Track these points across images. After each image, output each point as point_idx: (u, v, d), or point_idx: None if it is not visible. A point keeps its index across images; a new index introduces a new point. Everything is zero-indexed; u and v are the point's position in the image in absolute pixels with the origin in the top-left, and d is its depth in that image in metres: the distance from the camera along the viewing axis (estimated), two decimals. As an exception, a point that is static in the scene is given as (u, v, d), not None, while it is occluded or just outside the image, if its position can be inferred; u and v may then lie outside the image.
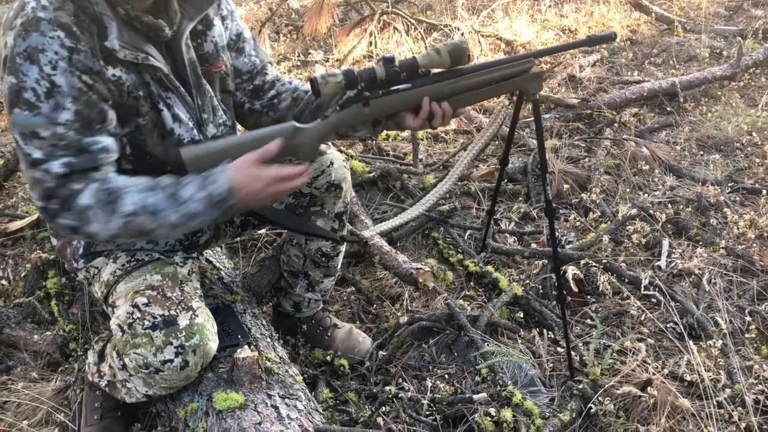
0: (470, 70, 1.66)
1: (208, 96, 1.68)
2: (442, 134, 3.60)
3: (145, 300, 1.56)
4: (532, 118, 3.67)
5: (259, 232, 2.61)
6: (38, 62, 1.37)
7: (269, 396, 1.61)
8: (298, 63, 4.57)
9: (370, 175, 2.97)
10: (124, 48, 1.45)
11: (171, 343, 1.51)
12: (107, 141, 1.48)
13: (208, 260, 2.12)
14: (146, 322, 1.52)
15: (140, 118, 1.55)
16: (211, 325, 1.60)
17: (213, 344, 1.58)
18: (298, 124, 1.59)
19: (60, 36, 1.39)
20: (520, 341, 2.19)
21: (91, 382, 1.82)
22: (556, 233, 2.67)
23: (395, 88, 1.61)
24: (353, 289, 2.47)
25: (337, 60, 4.43)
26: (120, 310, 1.59)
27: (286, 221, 1.93)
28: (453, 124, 3.71)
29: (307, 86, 1.84)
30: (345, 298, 2.46)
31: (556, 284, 2.02)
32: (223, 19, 1.75)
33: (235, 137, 1.64)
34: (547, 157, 3.08)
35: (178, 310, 1.55)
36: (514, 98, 1.92)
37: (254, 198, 1.49)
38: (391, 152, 3.35)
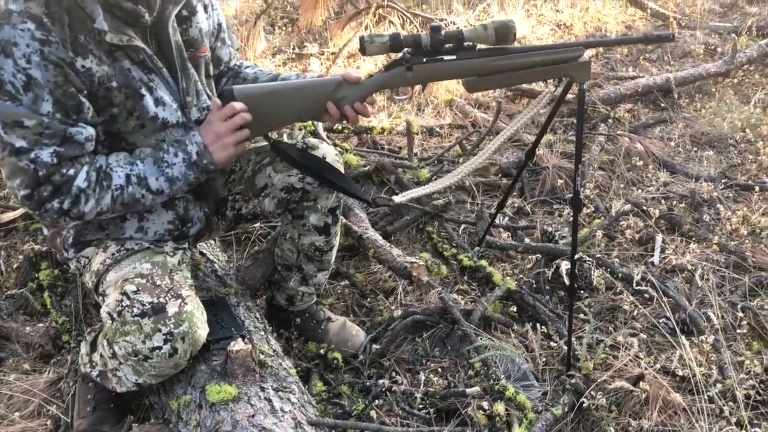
0: (517, 50, 1.69)
1: (193, 80, 1.71)
2: (437, 129, 3.60)
3: (134, 288, 1.56)
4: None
5: (253, 225, 2.60)
6: (12, 56, 1.40)
7: (262, 389, 1.61)
8: (293, 56, 4.55)
9: (365, 168, 2.96)
10: (110, 31, 1.48)
11: (160, 330, 1.51)
12: (89, 130, 1.53)
13: (201, 253, 2.12)
14: (135, 310, 1.52)
15: (114, 108, 1.57)
16: (200, 313, 1.60)
17: (202, 332, 1.58)
18: (342, 79, 1.69)
19: (30, 28, 1.40)
20: (513, 335, 2.19)
21: (84, 373, 1.82)
22: (550, 228, 2.68)
23: (441, 57, 1.66)
24: (347, 282, 2.47)
25: (332, 53, 4.41)
26: (110, 298, 1.59)
27: (317, 168, 1.92)
28: (448, 119, 3.72)
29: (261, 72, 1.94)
30: (339, 291, 2.46)
31: (569, 276, 2.02)
32: (205, 7, 1.78)
33: (283, 83, 1.73)
34: (541, 152, 3.12)
35: (167, 298, 1.55)
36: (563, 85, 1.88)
37: (219, 148, 1.62)
38: (386, 146, 3.35)
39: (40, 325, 2.21)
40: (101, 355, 1.70)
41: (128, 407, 1.84)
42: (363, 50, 1.64)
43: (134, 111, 1.60)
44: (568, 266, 2.38)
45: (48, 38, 1.42)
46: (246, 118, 1.64)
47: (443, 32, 1.65)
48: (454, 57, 1.66)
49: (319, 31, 4.81)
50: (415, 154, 3.17)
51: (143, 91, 1.59)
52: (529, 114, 1.87)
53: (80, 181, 1.51)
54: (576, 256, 2.39)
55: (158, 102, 1.62)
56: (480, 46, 1.69)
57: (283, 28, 5.12)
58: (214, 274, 2.03)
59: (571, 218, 2.78)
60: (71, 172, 1.50)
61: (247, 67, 1.97)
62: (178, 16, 1.66)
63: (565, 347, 2.09)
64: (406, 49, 1.66)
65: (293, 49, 4.62)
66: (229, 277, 2.05)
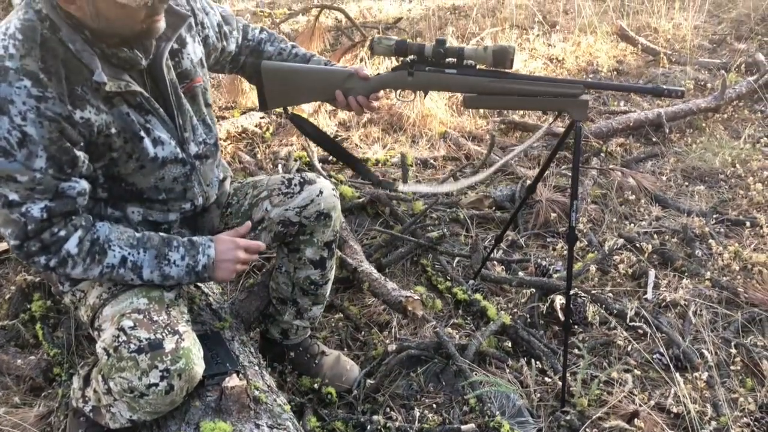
0: (518, 76, 1.79)
1: (188, 115, 1.72)
2: (431, 160, 3.63)
3: (131, 323, 1.55)
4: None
5: None
6: (8, 113, 1.40)
7: (257, 426, 1.60)
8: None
9: (360, 200, 2.98)
10: (109, 80, 1.49)
11: (156, 367, 1.49)
12: (82, 184, 1.54)
13: (196, 286, 2.11)
14: (132, 346, 1.51)
15: (114, 152, 1.58)
16: (197, 349, 1.59)
17: (199, 368, 1.57)
18: (353, 72, 1.86)
19: (27, 86, 1.41)
20: (507, 371, 2.19)
21: (76, 407, 1.79)
22: (543, 262, 2.69)
23: (443, 69, 1.78)
24: (341, 315, 2.47)
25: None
26: (106, 334, 1.58)
27: (330, 144, 2.14)
28: (442, 151, 3.75)
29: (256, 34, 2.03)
30: (333, 324, 2.45)
31: (564, 311, 2.04)
32: (196, 31, 1.78)
33: (303, 67, 1.92)
34: (536, 185, 3.15)
35: (164, 334, 1.54)
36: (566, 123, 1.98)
37: (228, 269, 1.70)
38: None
39: (32, 357, 2.19)
40: (95, 391, 1.68)
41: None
42: (372, 49, 1.81)
43: (133, 153, 1.60)
44: (563, 301, 2.40)
45: (44, 94, 1.42)
46: (255, 258, 1.78)
47: (446, 45, 1.77)
48: (454, 71, 1.78)
49: (314, 62, 4.85)
50: (412, 184, 3.19)
51: (142, 133, 1.60)
52: (532, 140, 1.96)
53: (71, 246, 1.53)
54: (571, 292, 2.42)
55: (156, 142, 1.63)
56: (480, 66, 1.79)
57: (279, 59, 5.16)
58: (209, 307, 2.02)
59: (566, 252, 2.81)
60: (62, 233, 1.51)
61: (266, 42, 2.03)
62: (171, 50, 1.67)
63: (560, 383, 2.09)
64: (411, 56, 1.79)
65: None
66: (224, 310, 2.04)
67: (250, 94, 4.15)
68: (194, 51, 1.77)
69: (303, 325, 2.13)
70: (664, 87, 1.77)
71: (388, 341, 2.31)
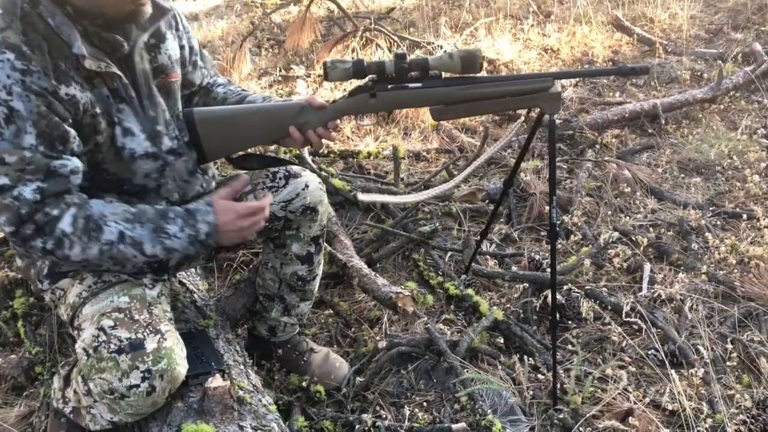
0: (485, 79, 1.67)
1: (160, 108, 1.66)
2: (424, 153, 3.57)
3: (111, 323, 1.50)
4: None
5: (235, 253, 2.55)
6: None
7: (241, 427, 1.55)
8: (280, 78, 4.53)
9: (351, 193, 2.92)
10: (89, 57, 1.44)
11: (137, 368, 1.45)
12: (74, 162, 1.47)
13: (181, 282, 2.06)
14: (112, 346, 1.46)
15: (99, 135, 1.53)
16: (180, 349, 1.54)
17: (182, 369, 1.53)
18: (305, 104, 1.68)
19: (10, 58, 1.36)
20: (500, 367, 2.14)
21: (56, 408, 1.75)
22: (537, 257, 2.65)
23: (406, 84, 1.64)
24: (331, 311, 2.42)
25: (318, 76, 4.39)
26: (86, 333, 1.53)
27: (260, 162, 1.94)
28: (435, 143, 3.69)
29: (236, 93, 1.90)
30: (322, 320, 2.41)
31: (550, 309, 1.99)
32: (176, 34, 1.75)
33: (245, 107, 1.72)
34: (528, 178, 3.10)
35: (145, 334, 1.49)
36: (532, 115, 1.92)
37: (230, 236, 1.60)
38: (372, 171, 3.31)
39: (13, 356, 2.14)
40: (75, 391, 1.63)
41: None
42: (326, 76, 1.63)
43: (114, 139, 1.56)
44: (557, 296, 2.35)
45: (29, 67, 1.38)
46: (262, 219, 1.63)
47: (408, 59, 1.63)
48: (419, 85, 1.64)
49: (305, 53, 4.79)
50: (402, 179, 3.14)
51: (116, 119, 1.56)
52: (499, 145, 1.85)
53: (65, 225, 1.45)
54: (565, 287, 2.37)
55: (126, 132, 1.58)
56: (446, 74, 1.68)
57: (270, 50, 5.11)
58: (194, 305, 1.97)
59: (560, 246, 2.77)
60: (55, 212, 1.44)
61: (219, 85, 1.94)
62: (147, 44, 1.63)
63: (553, 379, 2.05)
64: (370, 76, 1.64)
65: (279, 71, 4.60)
66: (209, 307, 1.99)
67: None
68: (173, 48, 1.72)
69: (291, 322, 2.09)
70: (629, 66, 1.73)
71: (378, 338, 2.27)
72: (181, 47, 1.76)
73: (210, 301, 2.04)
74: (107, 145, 1.55)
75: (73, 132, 1.46)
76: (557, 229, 1.88)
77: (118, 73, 1.52)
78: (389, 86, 1.64)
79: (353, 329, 2.35)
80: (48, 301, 1.76)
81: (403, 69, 1.63)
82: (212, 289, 2.33)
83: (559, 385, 2.04)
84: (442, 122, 3.88)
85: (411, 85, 1.64)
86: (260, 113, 1.68)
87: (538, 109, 1.78)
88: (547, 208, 2.96)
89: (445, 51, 1.70)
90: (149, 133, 1.63)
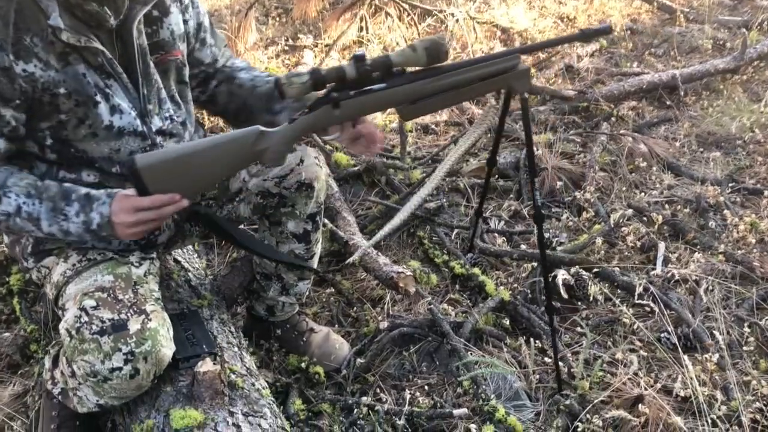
0: (451, 68, 1.54)
1: (156, 86, 1.58)
2: (433, 126, 3.47)
3: (93, 303, 1.45)
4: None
5: None
6: None
7: (231, 413, 1.50)
8: (287, 48, 4.42)
9: (355, 168, 2.84)
10: (66, 30, 1.36)
11: (120, 350, 1.40)
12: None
13: (176, 260, 2.00)
14: (94, 327, 1.41)
15: (61, 114, 1.45)
16: (166, 330, 1.48)
17: (167, 351, 1.47)
18: (263, 128, 1.50)
19: None
20: (505, 350, 2.07)
21: (47, 389, 1.71)
22: (547, 234, 2.55)
23: (369, 88, 1.49)
24: (333, 290, 2.35)
25: (326, 45, 4.28)
26: (68, 314, 1.48)
27: (252, 244, 1.86)
28: (444, 115, 3.58)
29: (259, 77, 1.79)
30: (324, 299, 2.34)
31: (545, 294, 1.90)
32: (182, 8, 1.65)
33: (193, 143, 1.56)
34: (540, 152, 2.99)
35: (129, 314, 1.44)
36: (502, 95, 1.81)
37: (126, 232, 1.44)
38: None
39: (6, 334, 2.10)
40: (62, 373, 1.59)
41: (95, 425, 1.73)
42: (281, 94, 1.48)
43: (86, 119, 1.48)
44: (566, 276, 2.27)
45: None
46: (165, 214, 1.47)
47: (368, 60, 1.49)
48: (383, 85, 1.50)
49: (313, 22, 4.66)
50: (408, 153, 3.04)
51: (98, 97, 1.47)
52: (467, 142, 1.73)
53: None
54: (572, 270, 2.28)
55: (114, 110, 1.50)
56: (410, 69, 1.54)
57: (277, 19, 4.98)
58: (188, 284, 1.90)
59: (571, 222, 2.67)
60: None
61: (241, 70, 1.82)
62: (148, 16, 1.54)
63: (561, 363, 1.98)
64: (330, 85, 1.49)
65: (287, 40, 4.48)
66: (204, 287, 1.92)
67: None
68: (177, 23, 1.62)
69: (289, 301, 2.03)
70: (592, 29, 1.62)
71: (380, 318, 2.20)
72: (185, 21, 1.66)
73: (206, 280, 1.98)
74: (73, 124, 1.47)
75: (9, 115, 1.40)
76: (542, 212, 1.80)
77: (100, 48, 1.43)
78: (352, 93, 1.50)
79: (355, 309, 2.28)
80: (35, 279, 1.71)
81: (365, 72, 1.48)
82: (211, 267, 2.27)
83: (566, 370, 1.97)
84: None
85: (375, 87, 1.50)
86: (213, 148, 1.49)
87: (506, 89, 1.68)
88: (560, 183, 2.88)
89: (408, 44, 1.53)
90: (139, 110, 1.55)
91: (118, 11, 1.45)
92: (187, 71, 1.69)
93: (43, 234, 1.46)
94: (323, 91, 1.50)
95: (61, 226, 1.45)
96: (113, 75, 1.48)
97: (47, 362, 1.73)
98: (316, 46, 4.35)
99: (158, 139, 1.59)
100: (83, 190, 1.46)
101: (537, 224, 1.80)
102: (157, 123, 1.59)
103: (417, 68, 1.52)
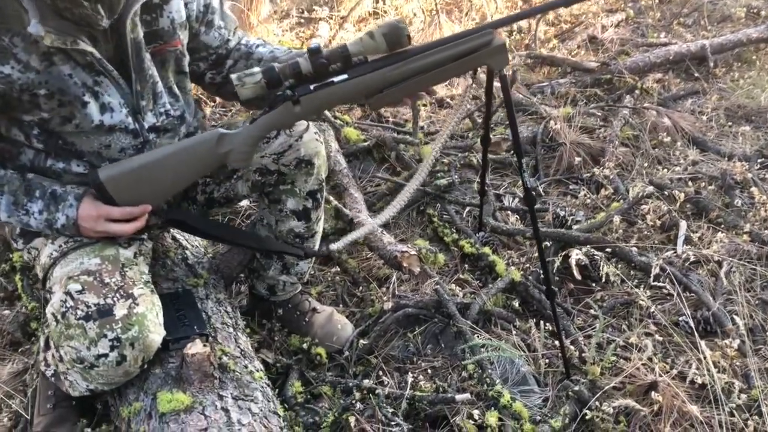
0: (417, 51, 1.43)
1: (150, 81, 1.51)
2: (448, 100, 3.36)
3: (78, 287, 1.40)
4: (543, 83, 3.41)
5: (228, 209, 2.42)
6: None
7: (220, 397, 1.45)
8: (302, 20, 4.32)
9: (365, 144, 2.76)
10: (50, 33, 1.29)
11: (105, 336, 1.35)
12: None
13: (174, 238, 1.95)
14: (79, 312, 1.37)
15: (44, 113, 1.40)
16: (154, 315, 1.43)
17: (155, 336, 1.42)
18: (223, 131, 1.48)
19: None
20: (514, 332, 1.99)
21: (42, 370, 1.68)
22: (563, 212, 2.45)
23: (330, 80, 1.41)
24: (338, 269, 2.29)
25: (341, 18, 4.17)
26: (54, 297, 1.44)
27: (238, 239, 1.85)
28: (460, 88, 3.47)
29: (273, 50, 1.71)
30: (329, 278, 2.28)
31: (543, 280, 1.81)
32: None
33: (155, 151, 1.50)
34: (558, 126, 2.88)
35: (115, 298, 1.39)
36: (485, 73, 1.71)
37: (91, 235, 1.47)
38: (391, 119, 3.12)
39: (7, 311, 2.08)
40: (53, 356, 1.56)
41: (90, 405, 1.70)
42: (237, 95, 1.42)
43: (73, 118, 1.42)
44: (579, 256, 2.17)
45: None
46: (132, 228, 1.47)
47: (325, 53, 1.40)
48: (345, 76, 1.42)
49: (330, -7, 4.56)
50: (421, 128, 2.95)
51: (86, 97, 1.41)
52: (456, 117, 1.63)
53: None
54: (584, 248, 2.19)
55: (105, 108, 1.44)
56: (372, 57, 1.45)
57: (293, -9, 4.87)
58: (185, 262, 1.85)
59: (589, 201, 2.56)
60: None
61: (258, 45, 1.74)
62: (147, 4, 1.46)
63: (572, 347, 1.90)
64: (287, 82, 1.42)
65: (302, 12, 4.39)
66: (201, 265, 1.87)
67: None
68: (178, 10, 1.53)
69: (290, 280, 1.97)
70: None
71: (386, 298, 2.13)
72: (186, 5, 1.57)
73: (203, 259, 1.92)
74: (57, 122, 1.42)
75: None
76: (532, 193, 1.74)
77: (88, 49, 1.36)
78: (312, 87, 1.42)
79: (361, 288, 2.22)
80: (26, 260, 1.67)
81: (322, 65, 1.40)
82: (212, 245, 2.21)
83: (577, 354, 1.89)
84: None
85: (336, 78, 1.42)
86: (175, 155, 1.48)
87: (486, 67, 1.56)
88: (578, 159, 2.77)
89: (366, 32, 1.42)
90: (132, 107, 1.49)
91: (113, 10, 1.37)
92: (186, 61, 1.61)
93: (2, 222, 1.46)
94: (284, 87, 1.43)
95: (21, 220, 1.45)
96: (103, 72, 1.42)
97: (41, 342, 1.70)
98: (332, 18, 4.25)
99: (151, 136, 1.54)
100: (49, 187, 1.44)
101: (529, 207, 1.71)
102: (150, 119, 1.53)
103: (380, 55, 1.43)
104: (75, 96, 1.40)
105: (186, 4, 1.57)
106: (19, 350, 2.01)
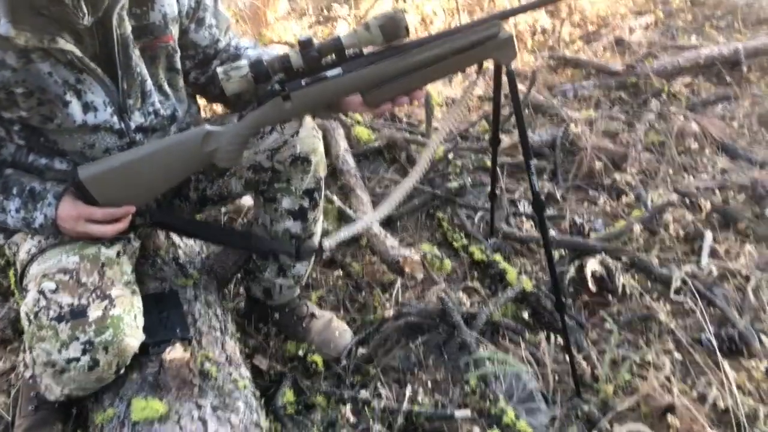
0: (418, 43, 1.33)
1: (138, 79, 1.42)
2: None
3: (53, 285, 1.32)
4: (566, 85, 3.28)
5: (222, 207, 2.33)
6: None
7: (199, 406, 1.36)
8: (321, 19, 4.25)
9: (376, 144, 2.66)
10: (24, 32, 1.22)
11: (77, 338, 1.27)
12: None
13: (167, 235, 1.87)
14: (51, 312, 1.29)
15: (22, 111, 1.33)
16: (132, 318, 1.35)
17: (131, 340, 1.33)
18: (210, 128, 1.40)
19: None
20: (523, 345, 1.87)
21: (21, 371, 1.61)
22: (580, 220, 2.33)
23: (323, 75, 1.31)
24: (341, 272, 2.19)
25: (362, 17, 4.09)
26: (28, 296, 1.36)
27: (227, 239, 1.79)
28: (480, 89, 3.35)
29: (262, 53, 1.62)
30: (331, 282, 2.18)
31: (553, 292, 1.69)
32: None
33: (139, 149, 1.42)
34: (579, 129, 2.75)
35: (90, 299, 1.31)
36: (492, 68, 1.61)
37: (71, 234, 1.40)
38: (404, 119, 3.02)
39: (-2, 308, 2.02)
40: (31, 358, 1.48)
41: (73, 407, 1.62)
42: (220, 98, 1.38)
43: (54, 118, 1.35)
44: (595, 266, 2.05)
45: None
46: (117, 228, 1.40)
47: (316, 46, 1.31)
48: (339, 71, 1.32)
49: (351, -9, 4.48)
50: (435, 129, 2.84)
51: (68, 96, 1.33)
52: (454, 115, 1.52)
53: None
54: (599, 257, 2.06)
55: (88, 107, 1.37)
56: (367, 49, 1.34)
57: (313, -12, 4.81)
58: (176, 261, 1.77)
59: (609, 208, 2.43)
60: None
61: (248, 48, 1.65)
62: None
63: (584, 362, 1.78)
64: (276, 77, 1.34)
65: (321, 11, 4.31)
66: (193, 265, 1.79)
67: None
68: (170, 3, 1.45)
69: (287, 284, 1.87)
70: None
71: (389, 305, 2.02)
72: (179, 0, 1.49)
73: (196, 258, 1.84)
74: (37, 120, 1.35)
75: None
76: (541, 198, 1.62)
77: (67, 48, 1.28)
78: (303, 82, 1.34)
79: (364, 293, 2.12)
80: (8, 255, 1.61)
81: (313, 58, 1.31)
82: (207, 244, 2.12)
83: (589, 370, 1.76)
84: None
85: (329, 73, 1.32)
86: (159, 153, 1.40)
87: (492, 61, 1.46)
88: (599, 164, 2.63)
89: (362, 23, 1.31)
90: (117, 106, 1.41)
91: (96, 7, 1.29)
92: (178, 57, 1.52)
93: None
94: (274, 82, 1.34)
95: None
96: (86, 70, 1.34)
97: (25, 342, 1.63)
98: (350, 17, 4.17)
99: (138, 136, 1.46)
100: (27, 184, 1.38)
101: (537, 214, 1.59)
102: (138, 119, 1.45)
103: (378, 48, 1.33)
104: (55, 95, 1.33)
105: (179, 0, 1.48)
106: (8, 348, 1.95)
